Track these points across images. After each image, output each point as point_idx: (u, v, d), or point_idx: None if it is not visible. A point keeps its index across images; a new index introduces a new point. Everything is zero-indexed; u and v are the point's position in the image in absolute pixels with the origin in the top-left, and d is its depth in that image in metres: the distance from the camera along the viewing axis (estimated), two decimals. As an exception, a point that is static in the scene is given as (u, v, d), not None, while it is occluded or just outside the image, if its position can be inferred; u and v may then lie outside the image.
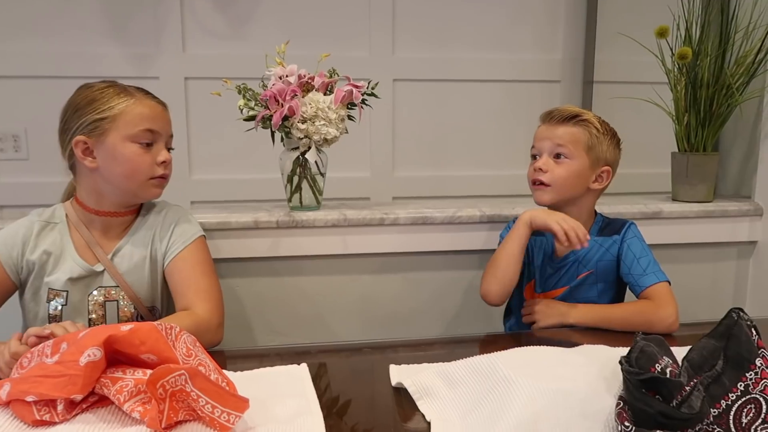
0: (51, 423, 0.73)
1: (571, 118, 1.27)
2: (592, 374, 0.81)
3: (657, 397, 0.70)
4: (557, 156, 1.27)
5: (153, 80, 1.92)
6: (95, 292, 1.13)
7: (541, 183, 1.27)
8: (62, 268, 1.12)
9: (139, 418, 0.72)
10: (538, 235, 1.33)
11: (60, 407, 0.73)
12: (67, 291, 1.11)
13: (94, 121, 1.08)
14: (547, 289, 1.32)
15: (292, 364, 0.97)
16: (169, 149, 1.17)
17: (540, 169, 1.27)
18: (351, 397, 0.89)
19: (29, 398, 0.73)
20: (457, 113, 2.13)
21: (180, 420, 0.73)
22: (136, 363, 0.77)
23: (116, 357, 0.78)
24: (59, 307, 1.12)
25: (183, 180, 1.96)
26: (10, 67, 1.85)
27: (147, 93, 1.15)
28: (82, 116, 1.09)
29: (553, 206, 1.28)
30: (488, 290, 1.27)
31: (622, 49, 1.92)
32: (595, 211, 1.34)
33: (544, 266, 1.33)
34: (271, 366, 0.96)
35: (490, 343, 1.16)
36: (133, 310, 1.15)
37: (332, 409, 0.85)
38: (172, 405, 0.71)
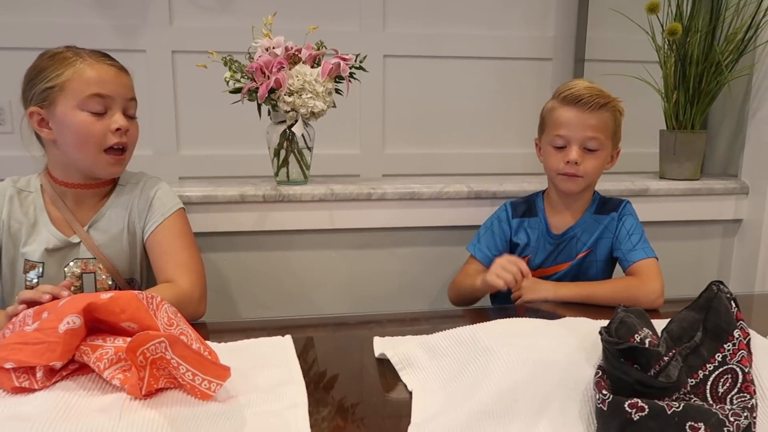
0: (30, 390, 0.72)
1: (604, 105, 1.21)
2: (573, 345, 0.81)
3: (635, 366, 0.70)
4: (588, 146, 1.21)
5: (140, 53, 1.89)
6: (71, 264, 1.12)
7: (574, 174, 1.23)
8: (38, 240, 1.11)
9: (119, 385, 0.72)
10: (530, 216, 1.32)
11: (39, 374, 0.73)
12: (43, 263, 1.11)
13: (43, 91, 1.05)
14: (545, 266, 1.31)
15: (276, 336, 0.97)
16: (131, 117, 1.11)
17: (575, 162, 1.21)
18: (335, 368, 0.90)
19: (8, 365, 0.72)
20: (448, 90, 2.12)
21: (161, 387, 0.73)
22: (116, 331, 0.77)
23: (97, 325, 0.77)
24: (35, 279, 1.11)
25: (171, 155, 1.93)
26: (-6, 39, 1.83)
27: (102, 56, 1.09)
28: (34, 86, 1.05)
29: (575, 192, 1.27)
30: (451, 299, 1.38)
31: (615, 27, 1.89)
32: None
33: (541, 243, 1.31)
34: (256, 338, 0.96)
35: (474, 318, 1.16)
36: (110, 283, 1.14)
37: (316, 380, 0.85)
38: (153, 372, 0.71)
